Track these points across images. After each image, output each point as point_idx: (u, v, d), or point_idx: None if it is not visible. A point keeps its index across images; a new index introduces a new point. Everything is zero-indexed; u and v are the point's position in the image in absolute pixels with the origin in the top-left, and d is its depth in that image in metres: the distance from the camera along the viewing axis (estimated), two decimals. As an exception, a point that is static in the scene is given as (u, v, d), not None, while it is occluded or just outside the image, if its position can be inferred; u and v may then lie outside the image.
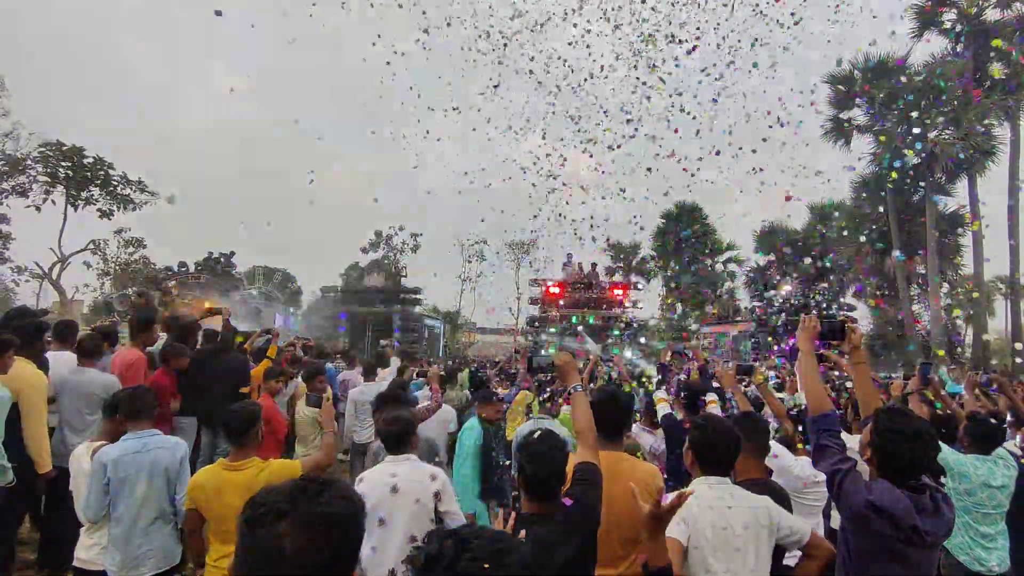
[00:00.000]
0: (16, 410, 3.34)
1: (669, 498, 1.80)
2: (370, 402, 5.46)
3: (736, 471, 2.60)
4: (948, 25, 21.02)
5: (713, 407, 3.60)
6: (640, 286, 29.66)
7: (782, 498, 2.45)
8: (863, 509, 1.89)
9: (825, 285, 23.72)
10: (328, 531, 0.93)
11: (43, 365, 3.76)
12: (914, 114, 18.06)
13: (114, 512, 2.74)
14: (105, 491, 2.71)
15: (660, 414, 3.89)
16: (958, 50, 20.74)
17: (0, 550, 3.56)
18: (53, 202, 23.72)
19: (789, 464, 3.04)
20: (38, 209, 23.36)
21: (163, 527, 2.82)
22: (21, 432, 3.38)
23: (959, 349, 23.04)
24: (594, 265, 28.06)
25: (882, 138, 19.39)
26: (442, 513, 2.94)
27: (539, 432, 2.08)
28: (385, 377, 6.30)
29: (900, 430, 1.93)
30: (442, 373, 5.41)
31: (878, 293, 23.15)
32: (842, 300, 24.38)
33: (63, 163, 23.26)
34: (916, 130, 17.68)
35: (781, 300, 22.52)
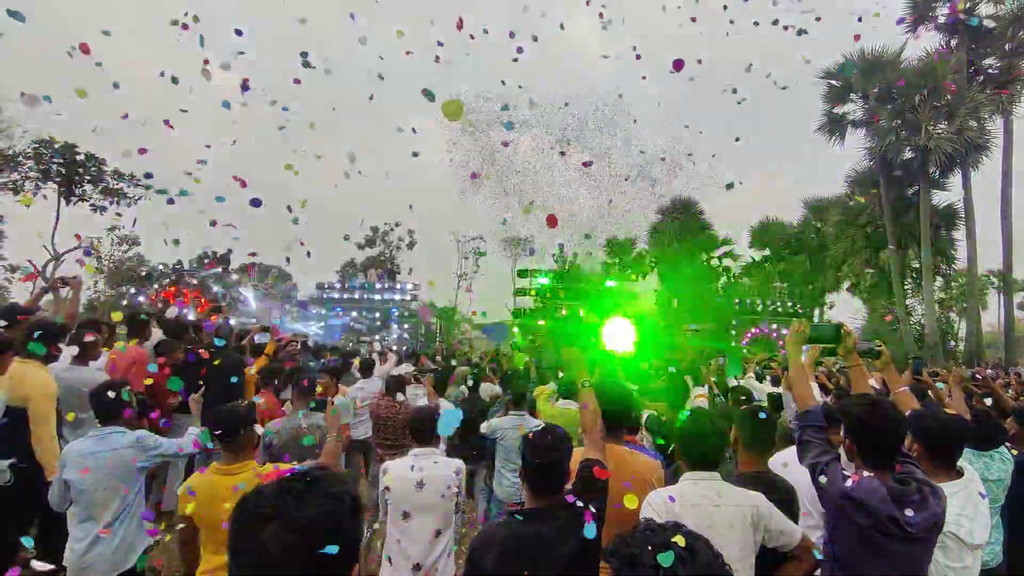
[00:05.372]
0: (18, 413, 3.31)
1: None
2: (369, 399, 5.45)
3: (738, 462, 2.60)
4: (942, 20, 21.06)
5: (701, 401, 3.57)
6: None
7: (786, 493, 2.37)
8: (839, 499, 1.91)
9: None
10: (314, 534, 0.91)
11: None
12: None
13: (74, 508, 2.75)
14: (67, 486, 2.71)
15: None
16: (951, 45, 20.81)
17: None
18: (44, 197, 23.65)
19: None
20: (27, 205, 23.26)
21: (120, 530, 2.76)
22: (21, 434, 3.35)
23: (953, 343, 23.14)
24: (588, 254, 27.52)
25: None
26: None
27: (543, 425, 2.07)
28: (383, 372, 6.24)
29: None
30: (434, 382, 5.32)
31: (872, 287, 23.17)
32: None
33: (55, 159, 23.13)
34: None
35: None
